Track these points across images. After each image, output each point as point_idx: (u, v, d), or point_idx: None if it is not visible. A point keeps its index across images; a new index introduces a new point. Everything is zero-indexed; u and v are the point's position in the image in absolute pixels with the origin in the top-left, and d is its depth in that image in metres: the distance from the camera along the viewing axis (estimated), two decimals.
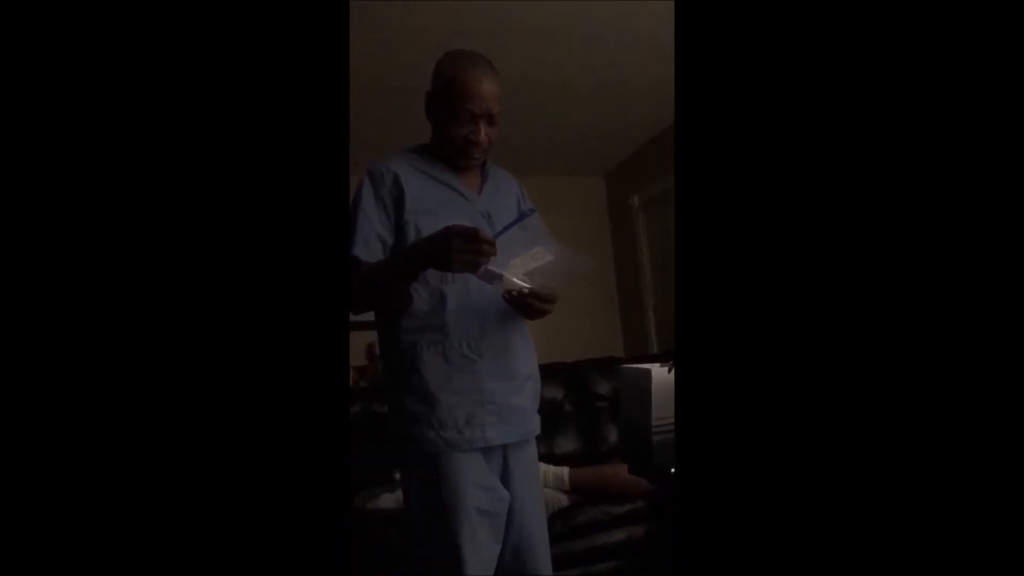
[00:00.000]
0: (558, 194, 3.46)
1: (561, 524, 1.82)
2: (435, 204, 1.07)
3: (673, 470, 1.10)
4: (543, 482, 1.96)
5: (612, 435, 2.43)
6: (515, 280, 0.97)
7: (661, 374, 1.13)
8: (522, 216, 1.03)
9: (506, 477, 1.08)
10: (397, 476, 1.72)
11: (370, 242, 1.03)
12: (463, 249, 0.89)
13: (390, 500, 1.87)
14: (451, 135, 1.07)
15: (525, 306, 1.01)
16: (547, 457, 2.25)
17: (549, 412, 2.51)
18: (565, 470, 1.99)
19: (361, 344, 2.77)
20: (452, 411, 1.02)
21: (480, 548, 1.01)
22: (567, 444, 2.47)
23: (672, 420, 1.13)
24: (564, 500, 1.93)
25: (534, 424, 1.15)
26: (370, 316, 1.10)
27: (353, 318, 0.95)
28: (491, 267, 0.95)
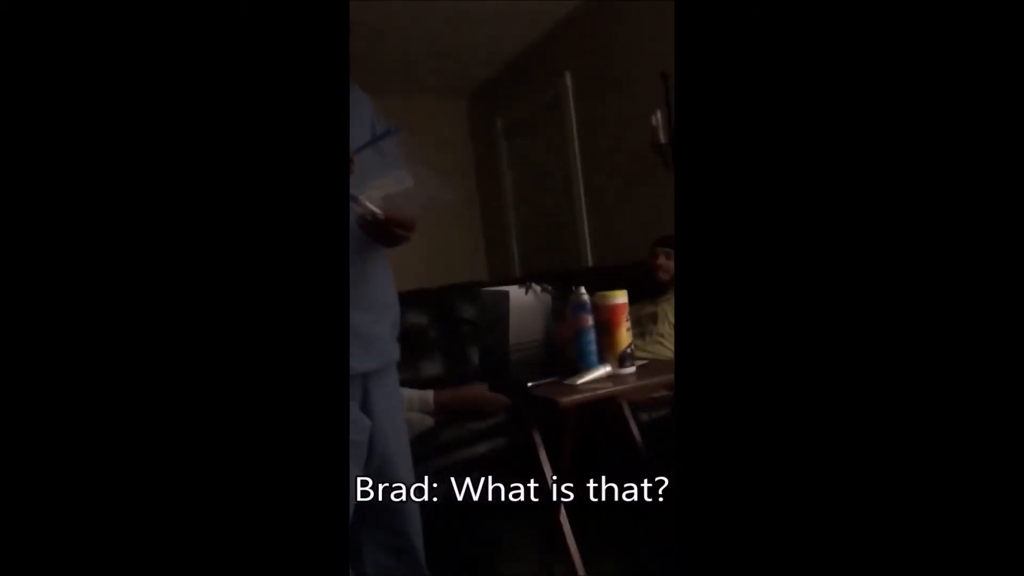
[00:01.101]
0: (419, 116, 3.33)
1: (426, 444, 1.88)
2: None
3: (530, 384, 1.17)
4: (408, 406, 1.99)
5: (476, 357, 2.51)
6: (368, 204, 0.93)
7: (519, 295, 1.17)
8: (385, 134, 0.98)
9: (367, 405, 1.08)
10: None
11: None
12: None
13: None
14: None
15: (381, 233, 0.97)
16: (412, 382, 2.28)
17: (414, 338, 2.52)
18: (429, 393, 2.04)
19: None
20: None
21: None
22: (432, 368, 2.51)
23: (529, 338, 1.19)
24: (429, 421, 1.99)
25: (395, 352, 1.14)
26: None
27: None
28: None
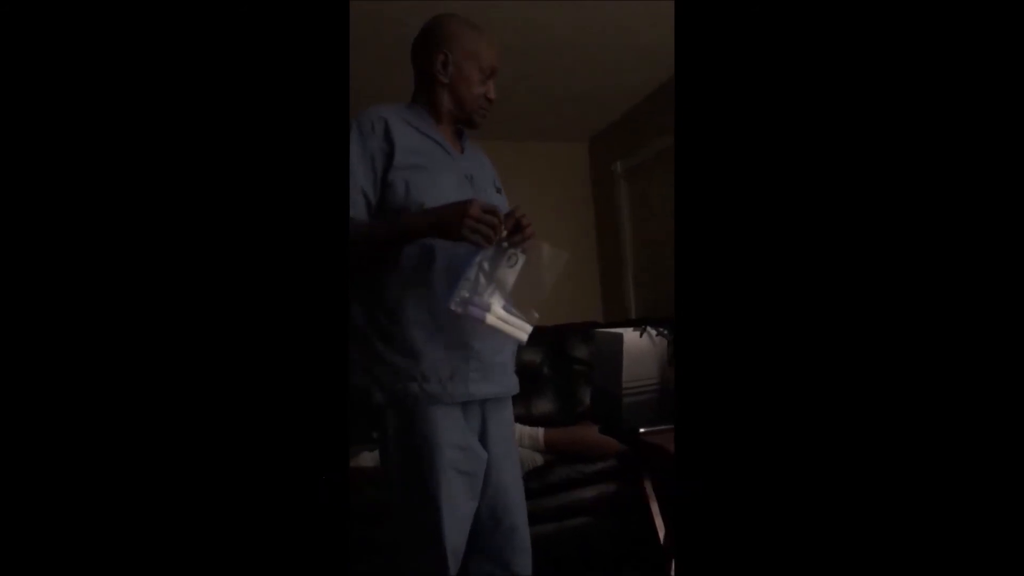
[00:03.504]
0: (541, 160, 3.44)
1: (536, 482, 1.88)
2: (424, 159, 1.07)
3: (642, 430, 1.15)
4: (518, 442, 2.02)
5: (588, 398, 2.48)
6: (497, 318, 0.98)
7: (633, 338, 1.16)
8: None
9: (484, 436, 1.11)
10: (375, 435, 1.76)
11: (355, 199, 1.03)
12: (481, 220, 0.92)
13: (368, 459, 1.91)
14: (471, 94, 1.13)
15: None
16: (524, 418, 2.30)
17: (528, 375, 2.56)
18: (540, 431, 2.05)
19: None
20: (437, 365, 1.03)
21: (457, 506, 1.04)
22: (544, 406, 2.52)
23: (642, 383, 1.17)
24: (539, 459, 1.99)
25: (514, 382, 1.18)
26: None
27: None
28: (474, 306, 0.96)
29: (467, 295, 0.95)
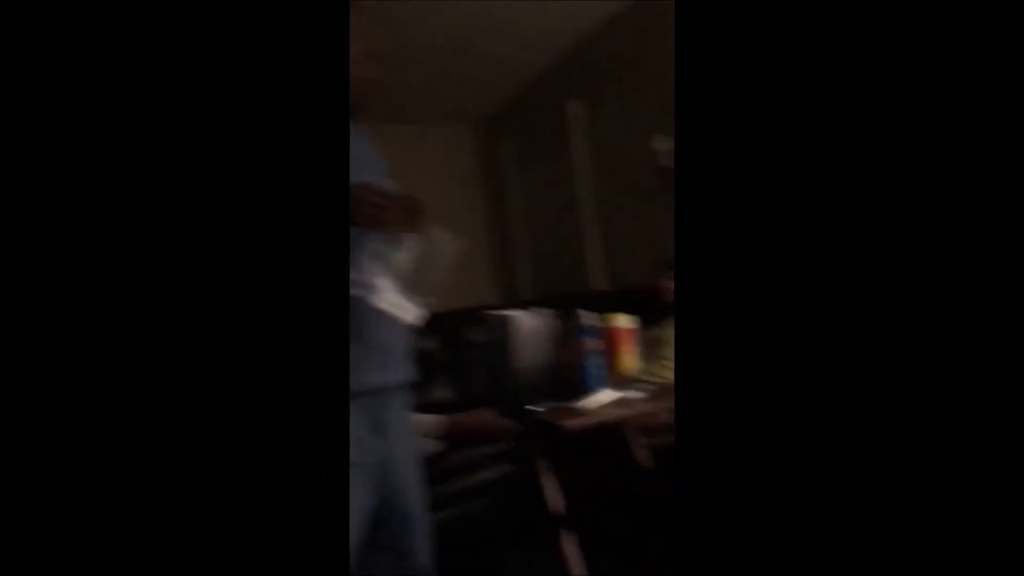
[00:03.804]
0: (431, 143, 3.39)
1: (433, 468, 1.87)
2: None
3: (535, 408, 1.18)
4: (415, 430, 1.99)
5: (484, 381, 2.51)
6: (388, 302, 0.96)
7: (524, 320, 1.19)
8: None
9: (380, 426, 1.08)
10: None
11: None
12: (373, 204, 0.89)
13: None
14: (353, 76, 1.03)
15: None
16: (421, 406, 2.27)
17: (424, 362, 2.53)
18: (437, 418, 2.04)
19: None
20: None
21: (352, 499, 1.01)
22: (441, 392, 2.51)
23: (534, 363, 1.20)
24: (437, 446, 1.98)
25: (411, 371, 1.15)
26: None
27: None
28: (364, 289, 0.94)
29: (357, 277, 0.93)
